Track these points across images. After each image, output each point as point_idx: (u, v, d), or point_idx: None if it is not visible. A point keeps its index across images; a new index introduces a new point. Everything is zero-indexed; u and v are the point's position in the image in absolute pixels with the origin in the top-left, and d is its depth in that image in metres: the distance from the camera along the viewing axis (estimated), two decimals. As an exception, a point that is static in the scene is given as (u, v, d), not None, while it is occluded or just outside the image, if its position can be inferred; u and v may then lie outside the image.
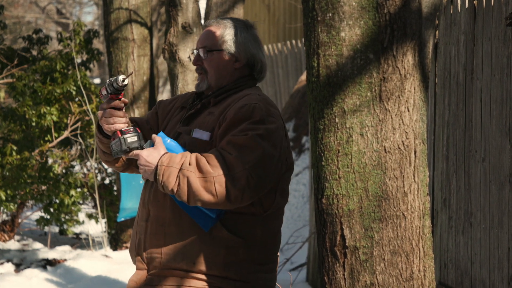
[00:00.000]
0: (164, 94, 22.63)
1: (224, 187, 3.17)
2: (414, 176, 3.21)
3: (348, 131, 3.18)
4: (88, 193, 9.93)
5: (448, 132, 5.76)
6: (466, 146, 5.52)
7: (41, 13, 26.73)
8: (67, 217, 9.59)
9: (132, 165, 3.59)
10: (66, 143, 9.70)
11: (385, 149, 3.18)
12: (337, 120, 3.19)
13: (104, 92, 3.38)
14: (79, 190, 9.45)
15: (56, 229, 10.79)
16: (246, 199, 3.21)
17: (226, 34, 3.45)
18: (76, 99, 9.53)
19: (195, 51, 3.51)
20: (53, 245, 9.89)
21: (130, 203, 8.47)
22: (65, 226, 9.70)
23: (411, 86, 3.20)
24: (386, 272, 3.19)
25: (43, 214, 9.58)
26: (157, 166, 3.23)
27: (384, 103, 3.17)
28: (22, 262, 8.97)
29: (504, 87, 5.07)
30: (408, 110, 3.20)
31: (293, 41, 14.07)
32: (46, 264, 8.81)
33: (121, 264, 8.52)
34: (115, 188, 9.98)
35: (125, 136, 3.33)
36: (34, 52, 10.09)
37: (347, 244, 3.19)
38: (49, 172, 9.18)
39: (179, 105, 3.58)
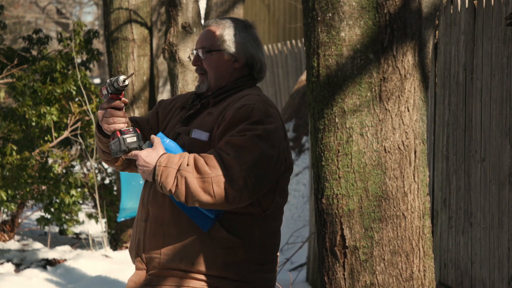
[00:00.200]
0: (164, 94, 22.63)
1: (222, 187, 3.17)
2: (414, 176, 3.21)
3: (348, 131, 3.18)
4: (88, 193, 9.93)
5: (448, 132, 5.76)
6: (466, 146, 5.52)
7: (41, 13, 26.74)
8: (67, 217, 9.59)
9: (132, 164, 3.59)
10: (66, 143, 9.70)
11: (385, 149, 3.18)
12: (337, 120, 3.19)
13: (104, 92, 3.38)
14: (79, 190, 9.45)
15: (56, 229, 10.79)
16: (244, 199, 3.21)
17: (225, 34, 3.45)
18: (76, 99, 9.53)
19: (195, 52, 3.51)
20: (53, 245, 9.89)
21: (130, 203, 8.47)
22: (65, 226, 9.70)
23: (411, 86, 3.20)
24: (386, 272, 3.19)
25: (43, 214, 9.58)
26: (155, 166, 3.23)
27: (384, 103, 3.17)
28: (22, 262, 8.97)
29: (504, 87, 5.07)
30: (408, 110, 3.20)
31: (293, 41, 14.06)
32: (46, 264, 8.80)
33: (121, 264, 8.52)
34: (115, 188, 9.98)
35: (125, 136, 3.33)
36: (34, 52, 10.09)
37: (347, 244, 3.19)
38: (49, 172, 9.18)
39: (180, 105, 3.57)
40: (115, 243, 9.57)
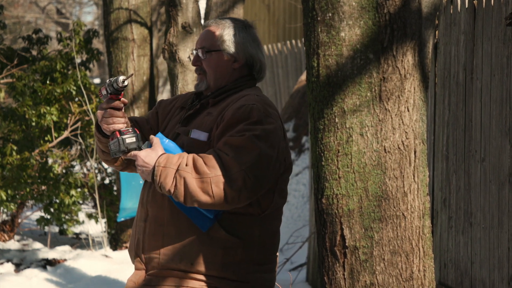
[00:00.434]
0: (164, 94, 22.63)
1: (221, 188, 3.17)
2: (414, 176, 3.21)
3: (348, 131, 3.18)
4: (88, 193, 9.93)
5: (448, 132, 5.76)
6: (466, 146, 5.52)
7: (41, 13, 26.74)
8: (67, 217, 9.59)
9: (131, 164, 3.59)
10: (66, 143, 9.70)
11: (385, 149, 3.18)
12: (337, 120, 3.19)
13: (103, 92, 3.38)
14: (79, 190, 9.44)
15: (56, 229, 10.79)
16: (243, 200, 3.21)
17: (225, 34, 3.45)
18: (76, 99, 9.53)
19: (194, 52, 3.51)
20: (53, 245, 9.89)
21: (130, 203, 8.47)
22: (65, 226, 9.70)
23: (411, 86, 3.20)
24: (386, 272, 3.19)
25: (43, 214, 9.58)
26: (154, 167, 3.23)
27: (384, 103, 3.17)
28: (22, 262, 8.97)
29: (504, 87, 5.06)
30: (408, 110, 3.20)
31: (293, 41, 14.07)
32: (46, 264, 8.80)
33: (121, 264, 8.52)
34: (115, 188, 9.98)
35: (124, 136, 3.33)
36: (34, 52, 10.09)
37: (347, 244, 3.19)
38: (49, 172, 9.18)
39: (179, 105, 3.57)
40: (115, 243, 9.58)
